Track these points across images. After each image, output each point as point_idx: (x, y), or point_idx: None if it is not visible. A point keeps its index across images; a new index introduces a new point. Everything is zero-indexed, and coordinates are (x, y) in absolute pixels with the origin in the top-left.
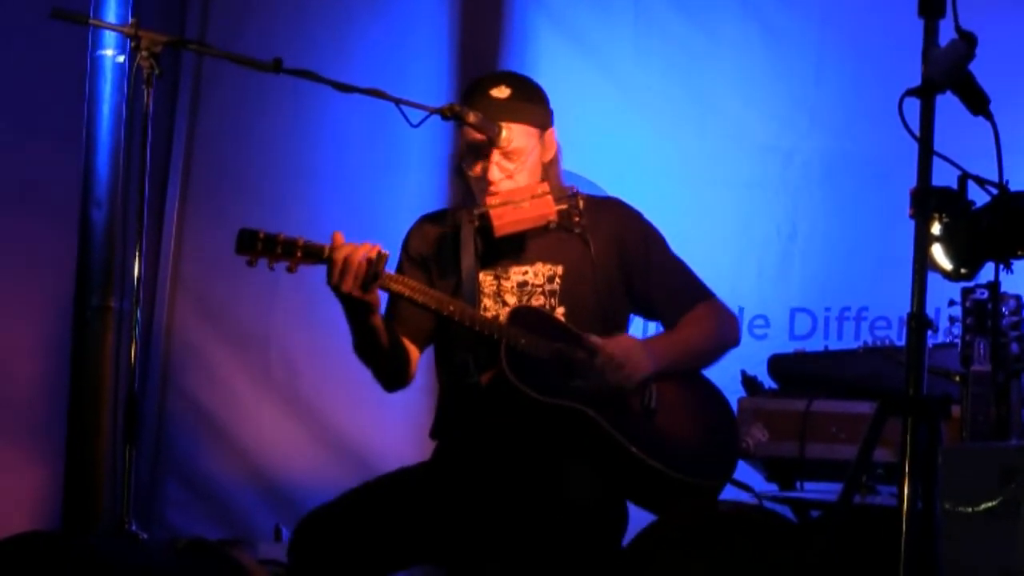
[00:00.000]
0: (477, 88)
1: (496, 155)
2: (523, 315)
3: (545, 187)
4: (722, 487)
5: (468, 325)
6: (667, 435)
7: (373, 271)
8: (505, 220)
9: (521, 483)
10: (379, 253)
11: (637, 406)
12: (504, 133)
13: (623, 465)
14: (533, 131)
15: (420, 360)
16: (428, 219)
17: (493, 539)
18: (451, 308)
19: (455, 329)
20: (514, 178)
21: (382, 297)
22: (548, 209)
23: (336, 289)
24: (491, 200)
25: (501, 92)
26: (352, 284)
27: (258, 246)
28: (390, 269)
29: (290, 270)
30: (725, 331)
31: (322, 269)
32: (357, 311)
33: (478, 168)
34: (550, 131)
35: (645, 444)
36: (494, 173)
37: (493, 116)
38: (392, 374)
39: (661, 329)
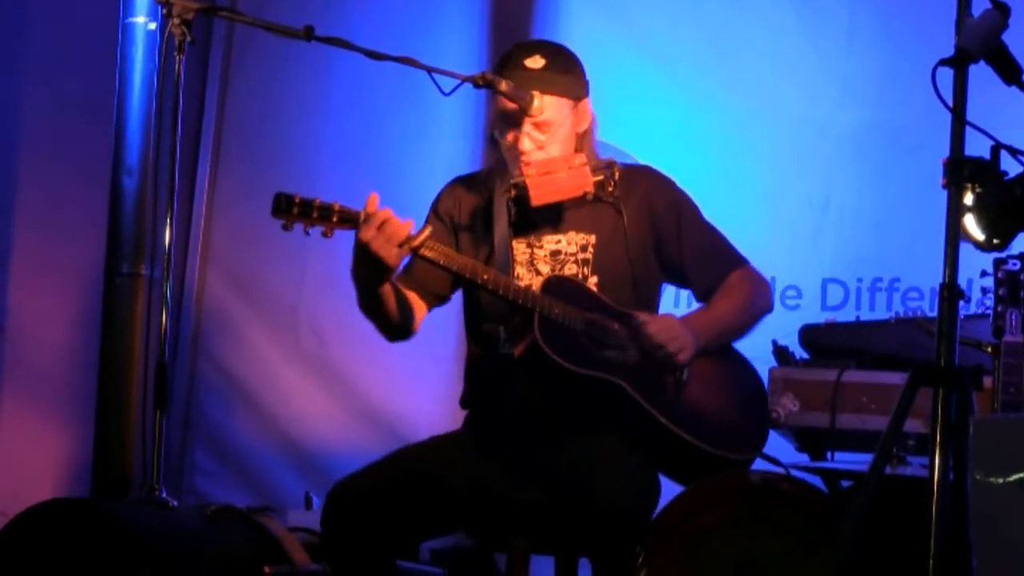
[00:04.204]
0: (511, 57)
1: (527, 125)
2: (556, 284)
3: (583, 158)
4: (752, 461)
5: (502, 294)
6: (699, 408)
7: (407, 235)
8: (542, 191)
9: (553, 457)
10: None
11: (669, 379)
12: (536, 102)
13: (655, 437)
14: (566, 102)
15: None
16: (461, 181)
17: (522, 512)
18: (485, 276)
19: (486, 298)
20: (545, 149)
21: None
22: (585, 180)
23: (365, 246)
24: (527, 170)
25: (535, 62)
26: (383, 244)
27: (294, 210)
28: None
29: (325, 235)
30: (759, 300)
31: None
32: (376, 272)
33: (510, 137)
34: (584, 101)
35: (677, 417)
36: (525, 143)
37: (526, 87)
38: (395, 329)
39: (692, 296)
